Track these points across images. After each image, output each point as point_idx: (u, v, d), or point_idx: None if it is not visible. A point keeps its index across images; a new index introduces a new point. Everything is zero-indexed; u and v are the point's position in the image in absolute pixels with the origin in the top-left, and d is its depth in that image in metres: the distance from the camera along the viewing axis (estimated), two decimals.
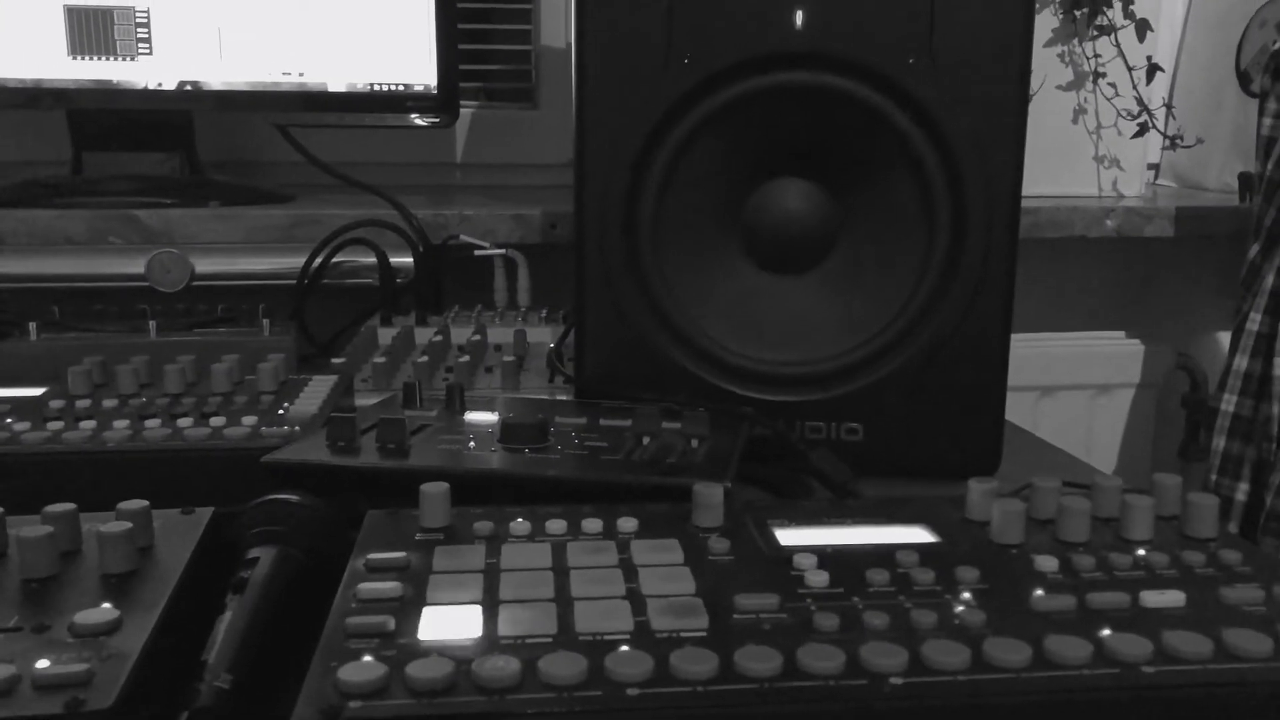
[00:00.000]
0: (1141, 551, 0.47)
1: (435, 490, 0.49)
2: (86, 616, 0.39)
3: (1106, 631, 0.39)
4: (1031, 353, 1.35)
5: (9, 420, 0.65)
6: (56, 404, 0.69)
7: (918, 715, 0.35)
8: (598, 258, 0.73)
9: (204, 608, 0.46)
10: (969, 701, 0.35)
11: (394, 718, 0.33)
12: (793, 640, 0.38)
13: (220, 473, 0.61)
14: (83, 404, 0.69)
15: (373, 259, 1.07)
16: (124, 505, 0.47)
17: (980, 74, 0.70)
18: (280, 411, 0.68)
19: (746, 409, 0.70)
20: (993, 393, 0.73)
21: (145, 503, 0.47)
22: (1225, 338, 1.45)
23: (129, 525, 0.44)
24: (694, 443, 0.61)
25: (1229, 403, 1.06)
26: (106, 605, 0.41)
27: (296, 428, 0.65)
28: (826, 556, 0.45)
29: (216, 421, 0.65)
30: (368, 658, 0.36)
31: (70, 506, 0.46)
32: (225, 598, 0.45)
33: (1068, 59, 1.36)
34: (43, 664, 0.36)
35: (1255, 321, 1.04)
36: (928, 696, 0.35)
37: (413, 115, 1.19)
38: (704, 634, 0.39)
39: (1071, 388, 1.37)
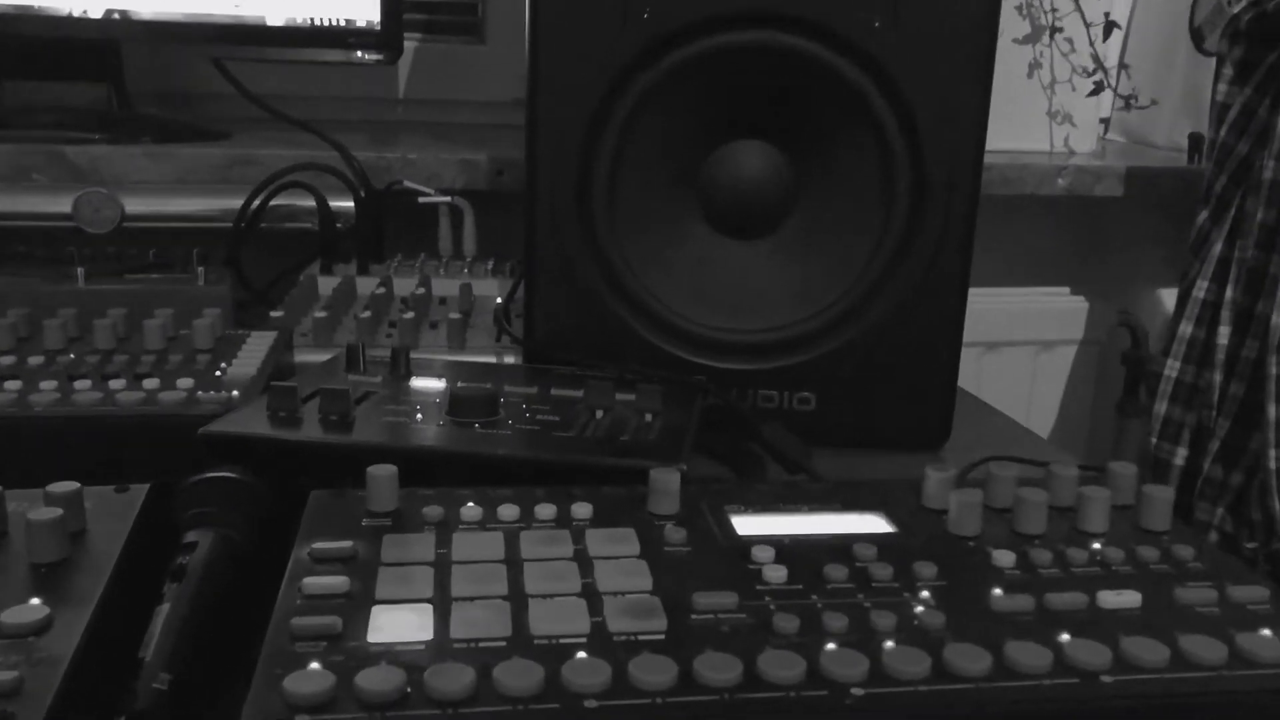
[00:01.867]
0: (1097, 545, 0.47)
1: (382, 473, 0.47)
2: (14, 615, 0.37)
3: (1066, 637, 0.39)
4: (977, 308, 1.35)
5: None
6: None
7: None
8: (549, 219, 0.71)
9: (141, 594, 0.44)
10: (930, 713, 0.35)
11: None
12: (753, 645, 0.37)
13: (155, 441, 0.59)
14: (6, 360, 0.66)
15: (312, 203, 1.04)
16: (54, 488, 0.44)
17: (945, 40, 0.68)
18: (217, 373, 0.66)
19: (701, 379, 0.69)
20: (945, 365, 0.72)
21: (76, 485, 0.45)
22: (1167, 295, 1.46)
23: (59, 512, 0.42)
24: (648, 417, 0.60)
25: (1172, 369, 1.08)
26: (36, 601, 0.39)
27: (235, 393, 0.62)
28: (784, 548, 0.45)
29: (150, 384, 0.63)
30: (315, 664, 0.35)
31: None
32: (163, 586, 0.44)
33: (1025, 11, 1.34)
34: None
35: (1202, 289, 1.05)
36: (889, 708, 0.35)
37: (355, 52, 1.14)
38: (662, 637, 0.38)
39: (1016, 344, 1.38)
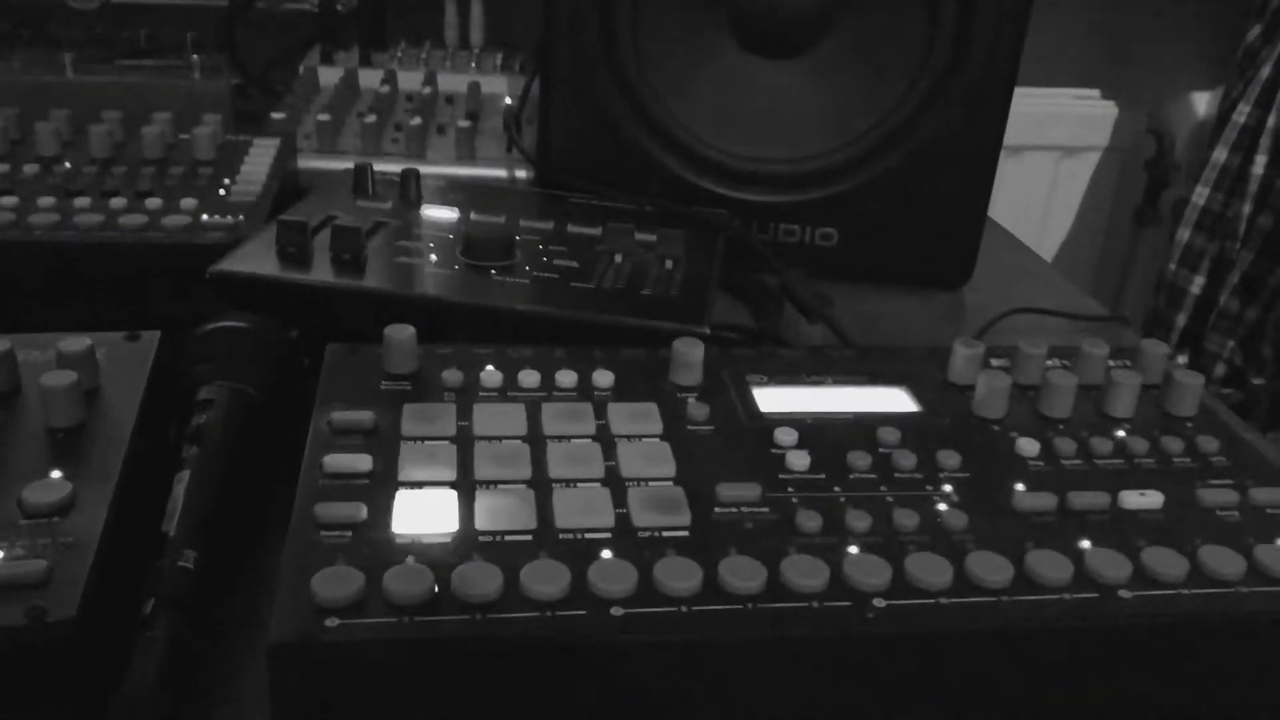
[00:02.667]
0: (1122, 433, 0.46)
1: (401, 335, 0.46)
2: (38, 493, 0.37)
3: (1087, 544, 0.39)
4: None
5: None
6: None
7: (901, 636, 0.35)
8: (568, 31, 0.67)
9: (159, 452, 0.44)
10: (951, 625, 0.35)
11: (373, 638, 0.33)
12: (776, 546, 0.37)
13: (161, 269, 0.57)
14: (0, 168, 0.64)
15: None
16: (66, 346, 0.43)
17: None
18: (221, 191, 0.63)
19: (723, 213, 0.66)
20: (975, 206, 0.70)
21: (87, 342, 0.43)
22: (1198, 99, 1.41)
23: (74, 377, 0.41)
24: (669, 264, 0.58)
25: (1200, 195, 1.04)
26: (57, 475, 0.38)
27: (240, 217, 0.60)
28: (806, 429, 0.44)
29: (152, 204, 0.60)
30: (342, 562, 0.35)
31: (6, 344, 0.43)
32: (181, 448, 0.43)
33: None
34: None
35: (1243, 114, 1.00)
36: (911, 621, 0.35)
37: None
38: (686, 534, 0.38)
39: (1039, 148, 1.33)
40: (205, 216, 0.60)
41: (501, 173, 0.76)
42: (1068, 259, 1.41)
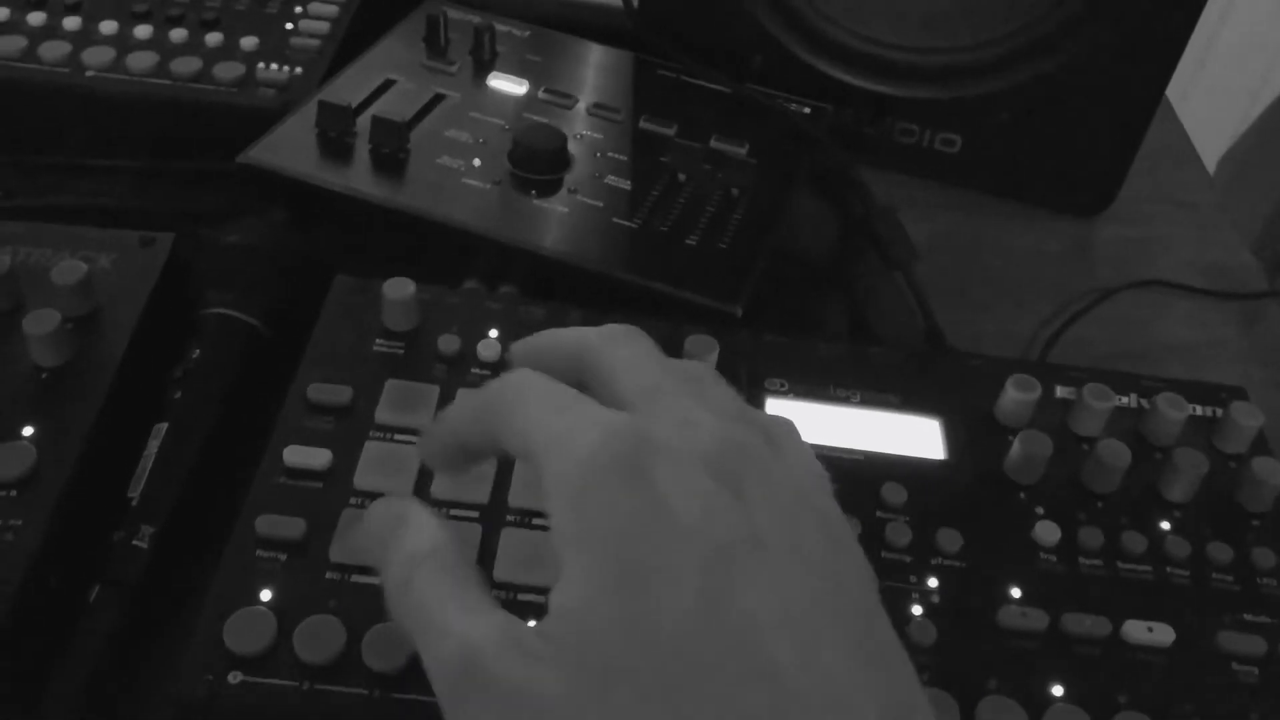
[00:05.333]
0: (1165, 526, 0.41)
1: (399, 294, 0.43)
2: (2, 463, 0.37)
3: (1058, 691, 0.36)
4: None
5: None
6: None
7: None
8: None
9: (147, 381, 0.44)
10: None
11: (274, 701, 0.33)
12: None
13: (205, 120, 0.55)
14: None
15: None
16: (60, 275, 0.42)
17: None
18: (288, 25, 0.59)
19: (825, 108, 0.58)
20: (1129, 131, 0.60)
21: (83, 268, 0.42)
22: None
23: (57, 319, 0.40)
24: (734, 192, 0.52)
25: None
26: (28, 433, 0.39)
27: (298, 69, 0.56)
28: None
29: (213, 39, 0.57)
30: (265, 596, 0.35)
31: (7, 261, 0.42)
32: (166, 388, 0.43)
33: None
34: None
35: None
36: None
37: None
38: None
39: None
40: (260, 67, 0.56)
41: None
42: (1274, 137, 1.22)
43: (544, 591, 0.35)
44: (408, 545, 0.26)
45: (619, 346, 0.28)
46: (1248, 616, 0.39)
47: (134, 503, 0.39)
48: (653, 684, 0.22)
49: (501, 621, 0.24)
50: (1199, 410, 0.45)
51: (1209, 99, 1.22)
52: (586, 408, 0.26)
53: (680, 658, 0.22)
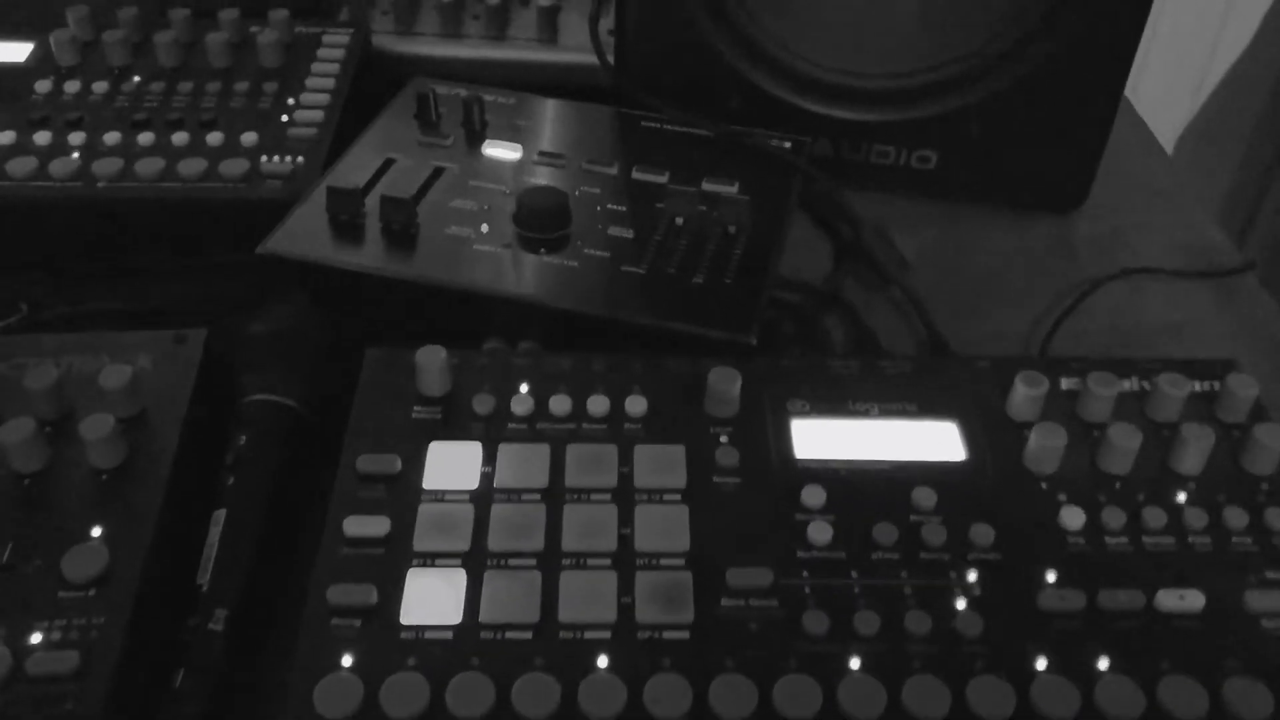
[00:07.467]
0: (1182, 497, 0.43)
1: (431, 361, 0.45)
2: (77, 564, 0.39)
3: (1104, 665, 0.38)
4: None
5: None
6: (42, 83, 0.63)
7: None
8: None
9: (202, 472, 0.45)
10: None
11: None
12: (775, 658, 0.37)
13: (217, 216, 0.57)
14: (70, 88, 0.63)
15: None
16: (108, 380, 0.44)
17: None
18: (284, 118, 0.62)
19: (804, 141, 0.61)
20: (1096, 128, 0.62)
21: (128, 370, 0.44)
22: None
23: (111, 423, 0.42)
24: (731, 229, 0.54)
25: None
26: (97, 533, 0.40)
27: (300, 159, 0.59)
28: (838, 488, 0.43)
29: (214, 139, 0.59)
30: (347, 661, 0.37)
31: (53, 375, 0.44)
32: (220, 475, 0.45)
33: None
34: (36, 639, 0.37)
35: None
36: None
37: None
38: (686, 635, 0.38)
39: None
40: (264, 160, 0.58)
41: (583, 58, 0.71)
42: (1225, 113, 1.26)
43: (607, 627, 0.37)
44: None
45: None
46: (1270, 574, 0.41)
47: (204, 588, 0.41)
48: None
49: None
50: (1198, 386, 0.48)
51: (1159, 85, 1.25)
52: None
53: None
